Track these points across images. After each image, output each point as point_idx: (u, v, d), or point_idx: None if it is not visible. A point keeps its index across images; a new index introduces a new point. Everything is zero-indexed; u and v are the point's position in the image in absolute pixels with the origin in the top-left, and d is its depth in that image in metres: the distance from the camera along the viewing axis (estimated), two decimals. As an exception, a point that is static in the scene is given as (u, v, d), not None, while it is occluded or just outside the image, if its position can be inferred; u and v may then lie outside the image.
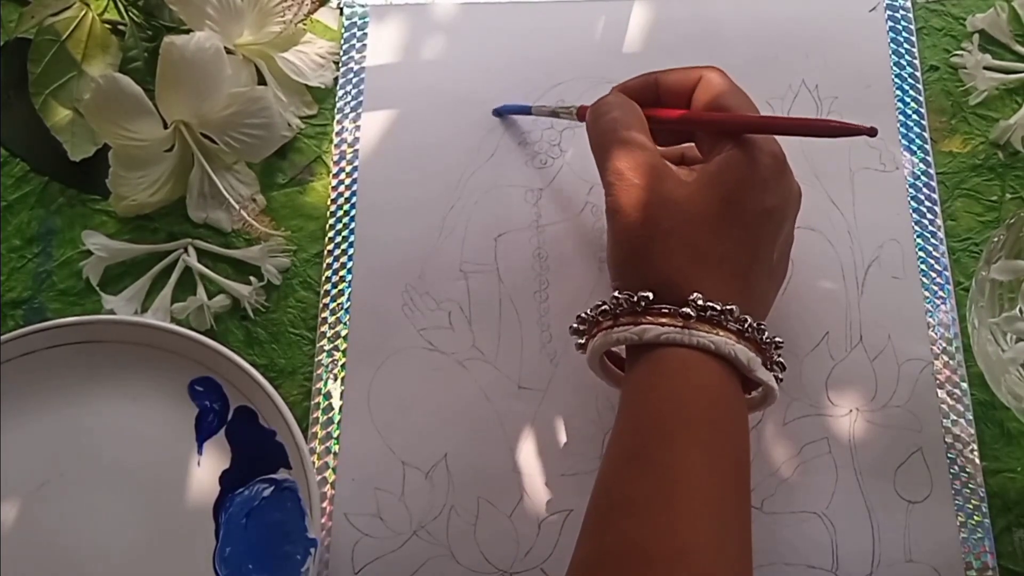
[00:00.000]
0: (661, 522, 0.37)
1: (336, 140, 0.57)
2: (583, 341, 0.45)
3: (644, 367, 0.41)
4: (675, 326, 0.40)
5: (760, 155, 0.42)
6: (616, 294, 0.42)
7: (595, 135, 0.45)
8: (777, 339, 0.42)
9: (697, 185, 0.42)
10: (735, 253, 0.42)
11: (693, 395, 0.40)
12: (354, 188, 0.56)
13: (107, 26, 0.56)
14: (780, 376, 0.43)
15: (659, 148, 0.45)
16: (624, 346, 0.43)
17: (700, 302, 0.40)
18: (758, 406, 0.43)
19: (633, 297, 0.42)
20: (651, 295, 0.41)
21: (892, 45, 0.58)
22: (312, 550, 0.46)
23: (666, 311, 0.41)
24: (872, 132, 0.40)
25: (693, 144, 0.48)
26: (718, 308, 0.40)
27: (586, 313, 0.44)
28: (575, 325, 0.45)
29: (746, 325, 0.41)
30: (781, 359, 0.43)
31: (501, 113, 0.57)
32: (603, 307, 0.43)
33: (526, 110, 0.55)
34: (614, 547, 0.37)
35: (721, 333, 0.40)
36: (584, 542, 0.39)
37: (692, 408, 0.40)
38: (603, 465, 0.41)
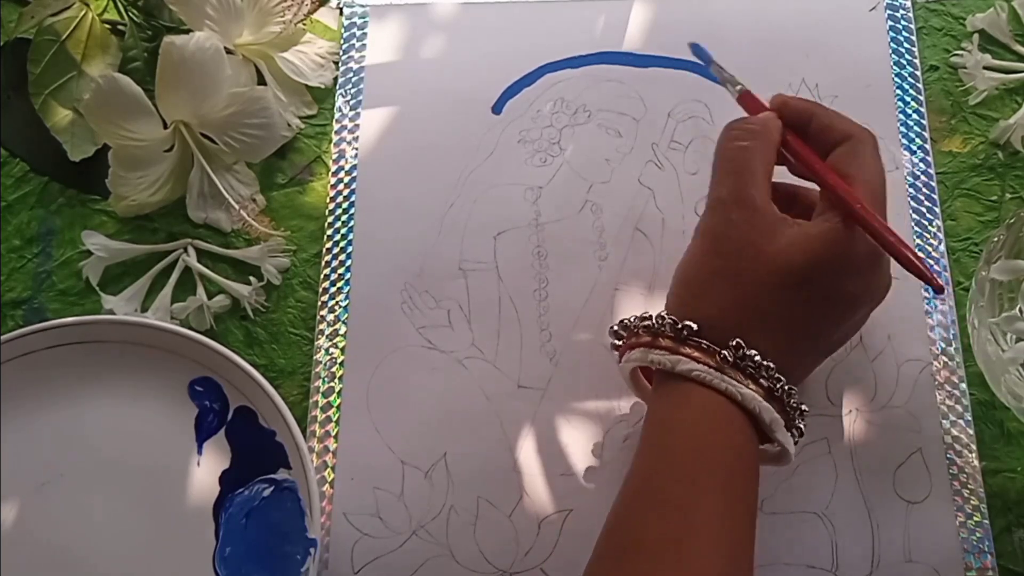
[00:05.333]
0: (673, 563, 0.37)
1: (336, 140, 0.57)
2: (619, 344, 0.45)
3: (671, 399, 0.42)
4: (709, 366, 0.40)
5: (860, 240, 0.41)
6: (663, 313, 0.42)
7: (721, 154, 0.45)
8: (803, 407, 0.42)
9: (787, 242, 0.41)
10: (795, 320, 0.42)
11: (715, 440, 0.40)
12: (353, 188, 0.56)
13: (107, 26, 0.56)
14: (797, 441, 0.43)
15: (776, 180, 0.44)
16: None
17: (741, 351, 0.40)
18: (769, 462, 0.43)
19: (678, 323, 0.41)
20: (695, 327, 0.41)
21: (892, 45, 0.58)
22: (312, 550, 0.46)
23: (704, 347, 0.41)
24: (939, 290, 0.41)
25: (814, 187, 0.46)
26: (755, 360, 0.40)
27: (629, 320, 0.44)
28: (616, 328, 0.45)
29: (778, 386, 0.41)
30: (803, 426, 0.42)
31: (697, 54, 0.52)
32: (647, 321, 0.43)
33: (708, 58, 0.51)
34: None
35: (752, 386, 0.40)
36: None
37: (713, 453, 0.40)
38: (618, 500, 0.41)
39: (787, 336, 0.42)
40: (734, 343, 0.40)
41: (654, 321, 0.42)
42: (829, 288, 0.42)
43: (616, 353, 0.46)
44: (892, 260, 0.42)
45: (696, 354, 0.41)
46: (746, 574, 0.39)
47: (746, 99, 0.48)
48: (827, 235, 0.41)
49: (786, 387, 0.41)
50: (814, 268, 0.41)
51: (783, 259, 0.41)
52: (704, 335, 0.41)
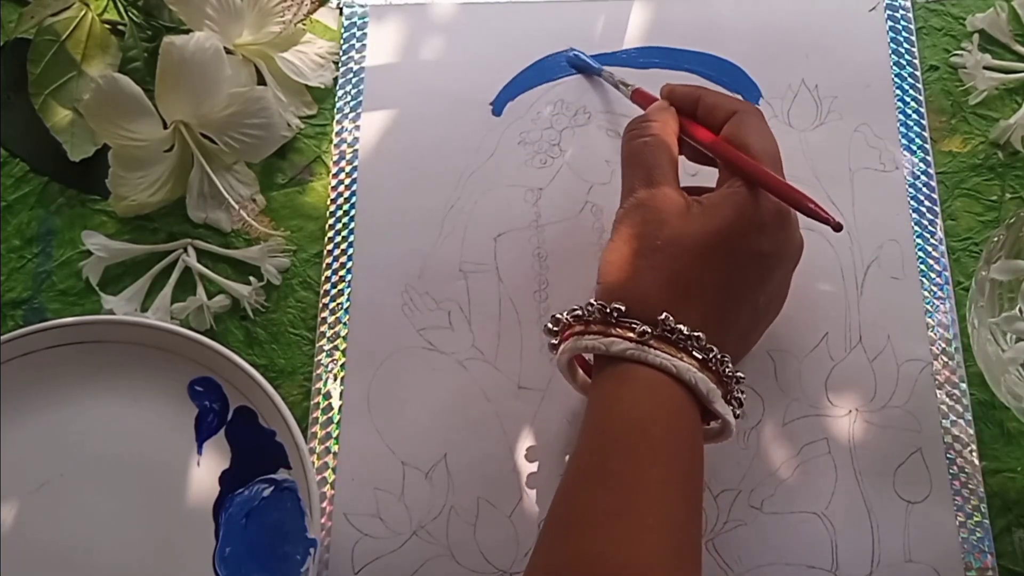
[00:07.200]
0: (618, 535, 0.38)
1: (336, 140, 0.57)
2: (556, 342, 0.45)
3: (610, 379, 0.42)
4: (640, 343, 0.41)
5: (765, 200, 0.43)
6: (592, 301, 0.43)
7: (627, 151, 0.47)
8: (739, 374, 0.42)
9: (697, 212, 0.43)
10: (716, 285, 0.43)
11: (655, 414, 0.41)
12: (354, 188, 0.56)
13: (107, 26, 0.56)
14: (738, 412, 0.43)
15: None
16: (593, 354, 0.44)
17: (669, 323, 0.41)
18: (714, 439, 0.44)
19: (607, 307, 0.42)
20: (624, 308, 0.42)
21: (892, 45, 0.58)
22: (312, 550, 0.46)
23: (635, 326, 0.41)
24: (837, 228, 0.42)
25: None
26: (684, 332, 0.41)
27: (560, 315, 0.44)
28: (549, 325, 0.45)
29: (710, 355, 0.41)
30: (741, 395, 0.43)
31: (573, 62, 0.58)
32: (577, 311, 0.44)
33: (598, 71, 0.57)
34: (570, 559, 0.38)
35: (684, 359, 0.41)
36: (541, 553, 0.40)
37: (653, 426, 0.40)
38: (564, 478, 0.42)
39: (712, 306, 0.43)
40: (662, 317, 0.41)
41: (583, 310, 0.43)
42: (743, 249, 0.43)
43: (552, 353, 0.46)
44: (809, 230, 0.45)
45: (628, 334, 0.41)
46: (693, 545, 0.40)
47: (639, 96, 0.53)
48: (733, 198, 0.43)
49: (719, 356, 0.42)
50: (727, 232, 0.43)
51: (698, 230, 0.43)
52: (633, 315, 0.42)
